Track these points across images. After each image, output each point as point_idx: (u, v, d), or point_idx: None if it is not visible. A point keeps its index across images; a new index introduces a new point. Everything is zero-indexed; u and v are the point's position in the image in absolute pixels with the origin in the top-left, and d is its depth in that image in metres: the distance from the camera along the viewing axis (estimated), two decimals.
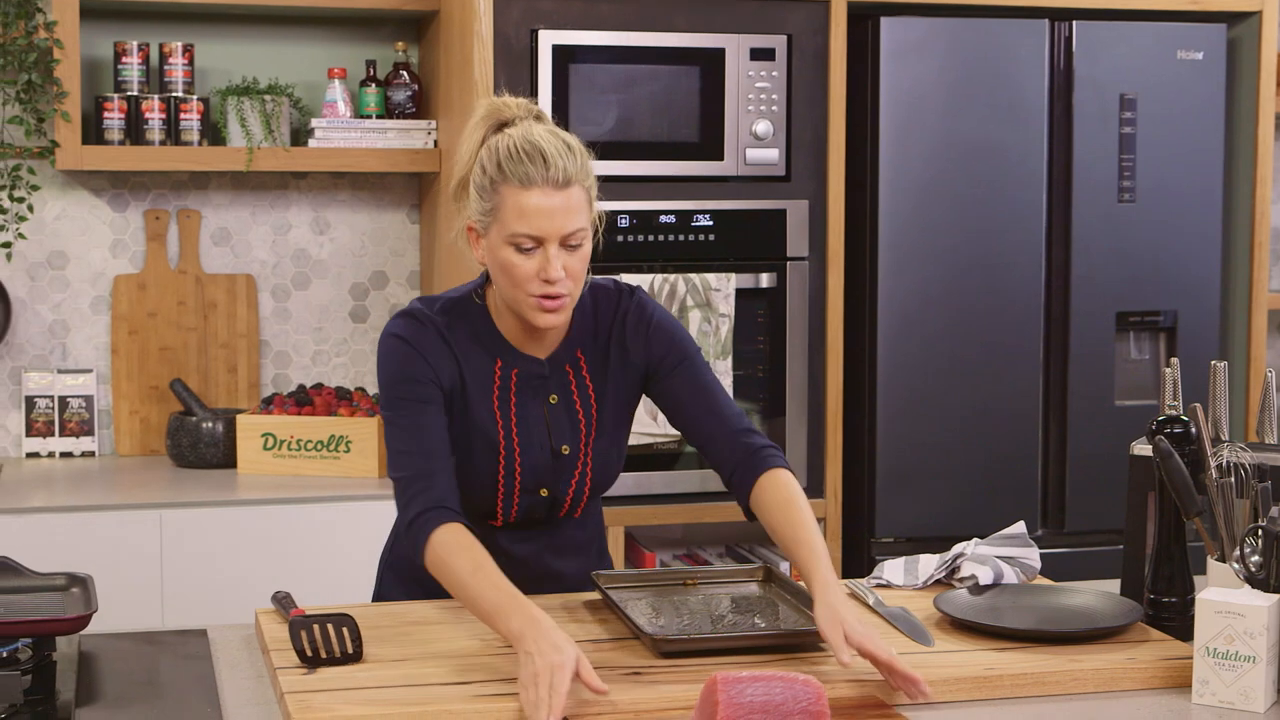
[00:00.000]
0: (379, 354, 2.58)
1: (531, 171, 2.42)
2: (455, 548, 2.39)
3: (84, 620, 2.32)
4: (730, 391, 3.98)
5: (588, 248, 2.49)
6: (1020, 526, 2.85)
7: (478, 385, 2.57)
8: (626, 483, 3.98)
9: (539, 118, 2.55)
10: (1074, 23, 4.17)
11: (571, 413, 2.63)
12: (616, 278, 2.73)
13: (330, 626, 2.36)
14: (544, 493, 2.63)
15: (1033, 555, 2.80)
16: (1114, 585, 2.72)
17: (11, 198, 4.20)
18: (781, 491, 2.54)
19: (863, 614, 2.55)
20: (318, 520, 3.88)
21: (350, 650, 2.31)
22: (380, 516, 3.89)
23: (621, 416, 2.71)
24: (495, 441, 2.58)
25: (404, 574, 2.71)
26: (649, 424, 3.95)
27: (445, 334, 2.56)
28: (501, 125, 2.53)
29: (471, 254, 2.55)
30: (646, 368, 2.67)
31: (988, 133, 4.13)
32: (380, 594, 2.81)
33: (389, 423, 2.53)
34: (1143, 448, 2.61)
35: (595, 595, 2.66)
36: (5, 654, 2.29)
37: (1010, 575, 2.72)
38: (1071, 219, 4.19)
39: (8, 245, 4.23)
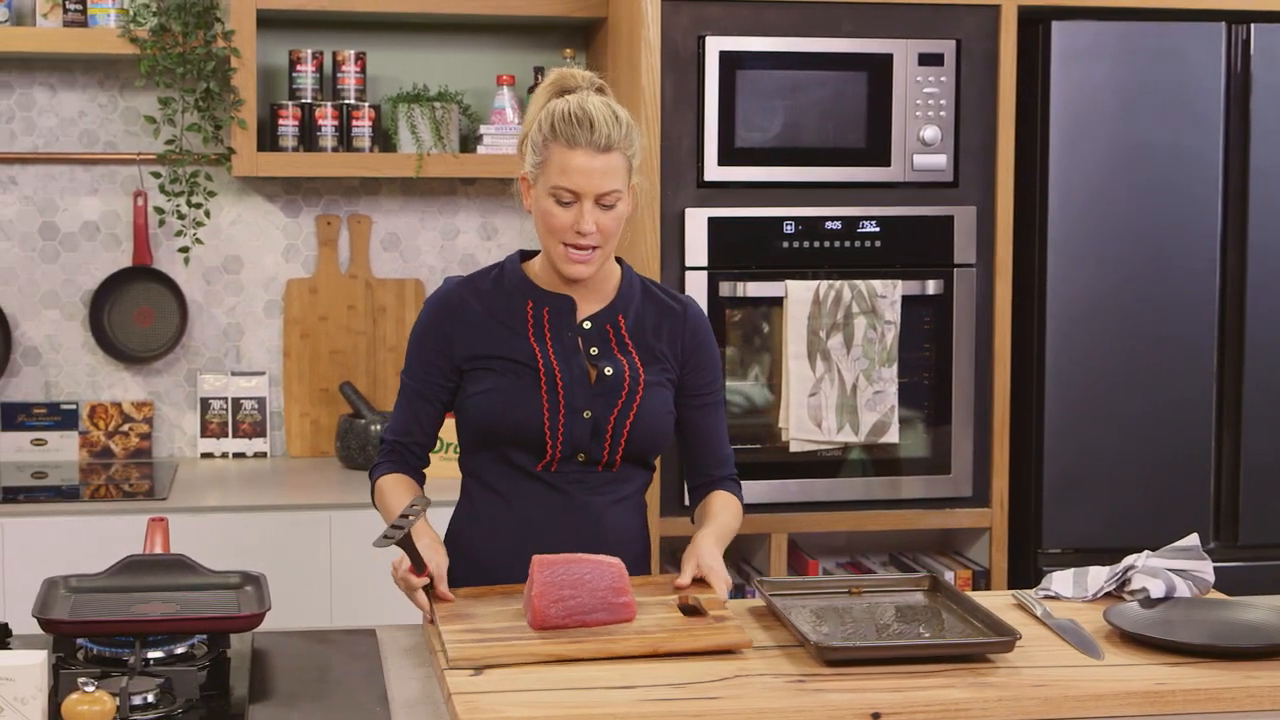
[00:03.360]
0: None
1: (578, 134, 2.66)
2: (389, 482, 2.84)
3: (258, 618, 2.37)
4: (895, 399, 3.96)
5: (622, 209, 2.72)
6: (1193, 539, 2.80)
7: (511, 327, 2.78)
8: (790, 489, 3.97)
9: (600, 90, 2.76)
10: (1251, 25, 4.08)
11: (614, 358, 2.78)
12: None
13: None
14: (587, 414, 2.74)
15: (1206, 568, 2.75)
16: None
17: (189, 203, 4.30)
18: (721, 496, 2.88)
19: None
20: None
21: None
22: None
23: (663, 381, 2.82)
24: (535, 367, 2.76)
25: (466, 558, 2.81)
26: (812, 430, 3.93)
27: (473, 297, 2.81)
28: (564, 92, 2.75)
29: (521, 203, 2.80)
30: (681, 376, 2.85)
31: (1161, 138, 4.06)
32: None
33: (401, 383, 2.89)
34: None
35: (759, 602, 2.66)
36: (182, 650, 2.34)
37: (1183, 588, 2.68)
38: (1248, 225, 4.10)
39: (185, 250, 4.33)
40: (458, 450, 2.93)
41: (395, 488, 2.83)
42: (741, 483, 2.94)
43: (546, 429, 2.74)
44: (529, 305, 2.79)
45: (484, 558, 2.79)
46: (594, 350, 2.77)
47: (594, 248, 2.69)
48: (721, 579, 2.63)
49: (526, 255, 2.86)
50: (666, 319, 2.84)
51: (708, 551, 2.69)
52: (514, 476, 2.80)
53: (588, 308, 2.80)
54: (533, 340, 2.76)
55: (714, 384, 2.88)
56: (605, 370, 2.76)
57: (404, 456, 2.87)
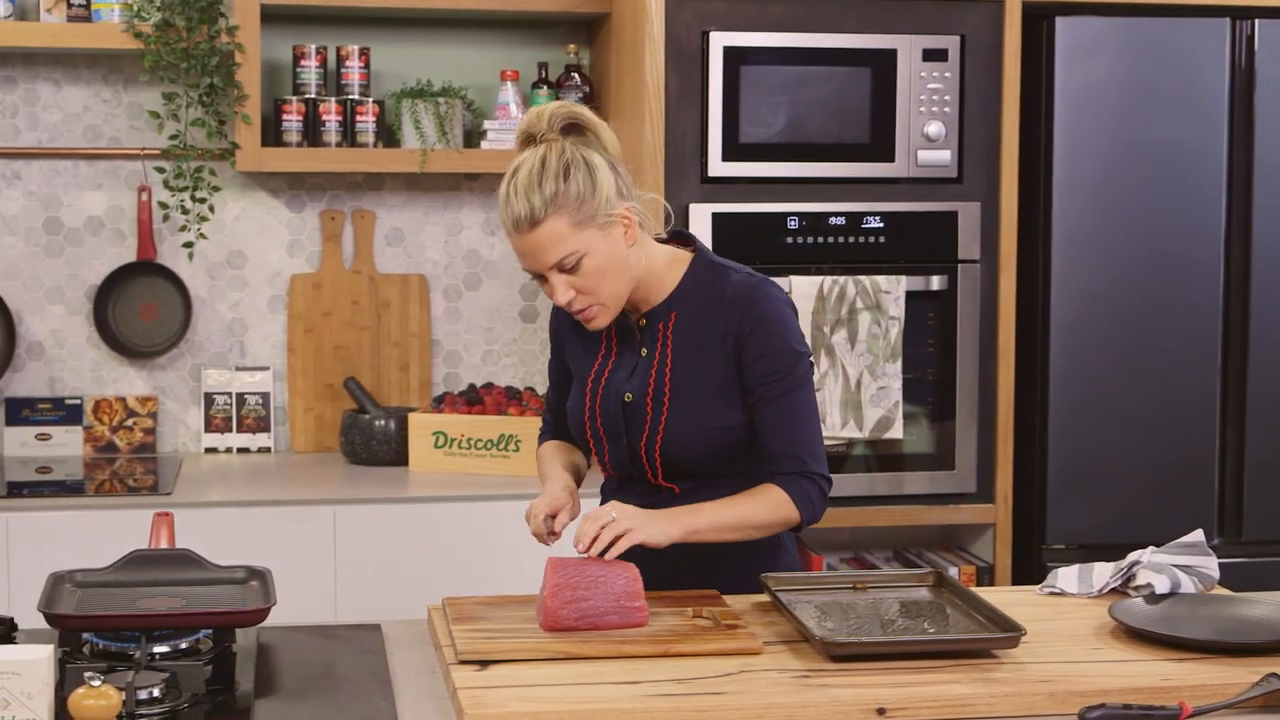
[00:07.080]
0: None
1: (507, 220, 2.59)
2: (548, 447, 2.94)
3: (263, 613, 2.37)
4: (899, 395, 3.96)
5: (592, 260, 2.58)
6: (1198, 535, 2.80)
7: (589, 343, 2.82)
8: None
9: (570, 125, 2.60)
10: (1256, 21, 4.08)
11: (648, 366, 2.74)
12: (770, 278, 2.75)
13: None
14: (623, 440, 2.76)
15: (1210, 564, 2.75)
16: None
17: (193, 198, 4.30)
18: (755, 490, 2.67)
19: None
20: (487, 518, 3.92)
21: None
22: None
23: (709, 386, 2.69)
24: (586, 387, 2.80)
25: None
26: None
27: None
28: (530, 140, 2.62)
29: None
30: (739, 366, 2.69)
31: (1165, 133, 4.06)
32: None
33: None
34: None
35: (764, 597, 2.66)
36: (187, 645, 2.34)
37: (1188, 584, 2.68)
38: (1252, 220, 4.10)
39: (189, 245, 4.33)
40: None
41: (553, 452, 2.92)
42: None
43: (593, 448, 2.84)
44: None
45: None
46: (644, 352, 2.72)
47: (588, 306, 2.62)
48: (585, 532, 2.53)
49: None
50: (721, 310, 2.68)
51: (615, 507, 2.57)
52: (610, 481, 2.89)
53: (644, 303, 2.73)
54: (600, 358, 2.79)
55: (770, 376, 2.66)
56: (625, 397, 2.73)
57: (558, 430, 2.96)
